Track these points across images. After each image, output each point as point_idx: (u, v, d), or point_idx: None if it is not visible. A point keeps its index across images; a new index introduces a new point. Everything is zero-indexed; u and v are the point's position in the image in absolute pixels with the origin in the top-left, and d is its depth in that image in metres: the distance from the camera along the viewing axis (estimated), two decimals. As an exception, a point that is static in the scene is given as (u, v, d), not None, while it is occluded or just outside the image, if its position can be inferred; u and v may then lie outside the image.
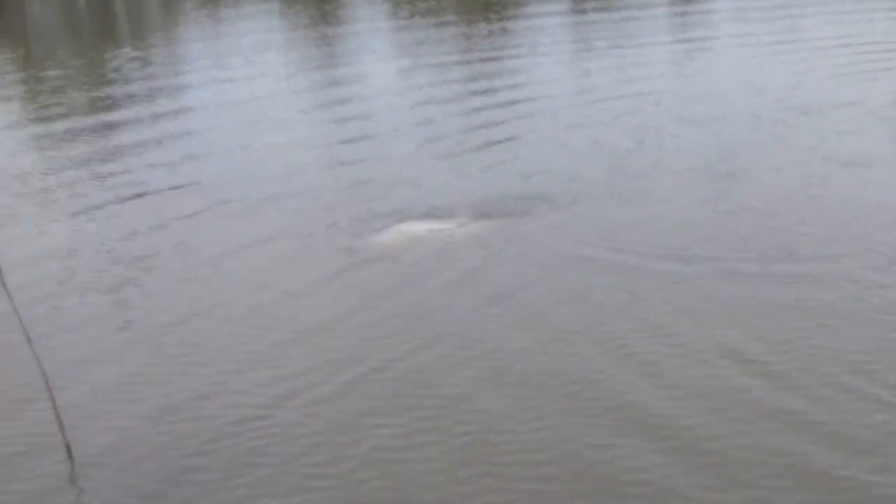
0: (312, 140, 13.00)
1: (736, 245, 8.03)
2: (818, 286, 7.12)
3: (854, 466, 4.93)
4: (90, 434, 5.61)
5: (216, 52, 22.78)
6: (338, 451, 5.32)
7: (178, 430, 5.62)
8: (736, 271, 7.48)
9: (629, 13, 24.78)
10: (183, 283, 7.92)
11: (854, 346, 6.18)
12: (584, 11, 26.43)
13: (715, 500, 4.76)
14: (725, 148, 11.12)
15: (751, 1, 25.59)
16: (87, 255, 8.68)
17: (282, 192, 10.27)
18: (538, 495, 4.88)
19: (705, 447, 5.18)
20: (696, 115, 12.92)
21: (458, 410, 5.67)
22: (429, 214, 9.14)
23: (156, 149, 12.66)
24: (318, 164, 11.59)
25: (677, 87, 15.32)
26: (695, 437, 5.27)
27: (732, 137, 11.62)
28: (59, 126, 14.28)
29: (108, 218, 9.78)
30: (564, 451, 5.21)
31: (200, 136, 13.47)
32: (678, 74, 16.53)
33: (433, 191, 10.07)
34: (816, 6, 23.86)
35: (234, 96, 16.43)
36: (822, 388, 5.70)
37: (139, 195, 10.53)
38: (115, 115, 15.03)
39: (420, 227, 8.77)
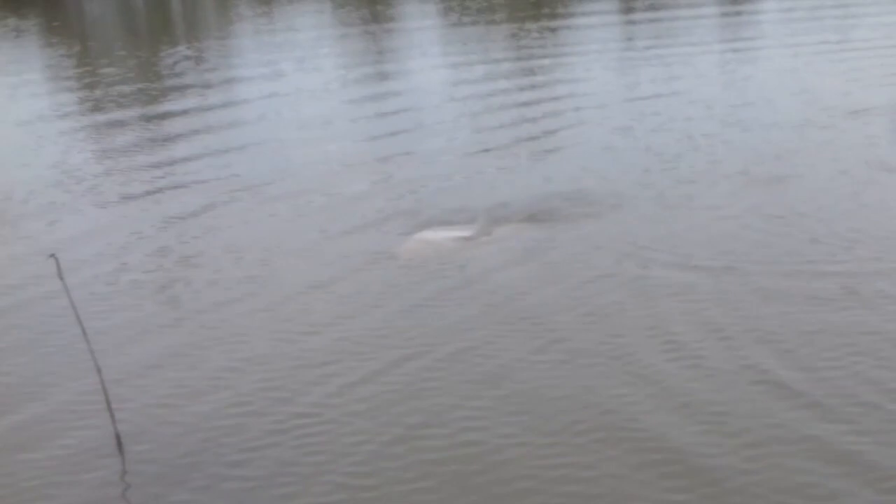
0: (359, 137, 13.16)
1: (778, 256, 7.93)
2: (863, 305, 6.92)
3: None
4: (140, 428, 5.77)
5: (268, 50, 23.06)
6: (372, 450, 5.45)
7: (227, 424, 5.76)
8: (776, 286, 7.36)
9: (677, 14, 24.63)
10: (224, 276, 8.11)
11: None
12: (632, 13, 26.31)
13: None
14: (773, 153, 11.05)
15: (800, 2, 25.32)
16: (137, 248, 8.90)
17: (322, 187, 10.50)
18: None
19: (727, 478, 5.06)
20: (744, 120, 12.84)
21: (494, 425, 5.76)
22: (466, 217, 9.19)
23: (206, 144, 12.93)
24: (362, 161, 11.72)
25: (725, 90, 15.24)
26: (719, 471, 5.13)
27: (781, 143, 11.53)
28: (111, 122, 14.62)
29: (156, 211, 10.03)
30: (584, 483, 5.12)
31: (249, 132, 13.69)
32: (726, 77, 16.42)
33: (474, 192, 10.14)
34: (867, 8, 23.56)
35: (283, 93, 16.67)
36: (862, 418, 5.46)
37: (188, 187, 10.83)
38: (166, 112, 15.34)
39: (454, 232, 8.80)
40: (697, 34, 21.64)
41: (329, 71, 18.94)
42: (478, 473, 5.17)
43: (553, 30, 23.53)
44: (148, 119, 14.97)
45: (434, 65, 19.38)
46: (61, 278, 5.61)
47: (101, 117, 15.20)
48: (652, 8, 26.18)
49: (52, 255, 5.64)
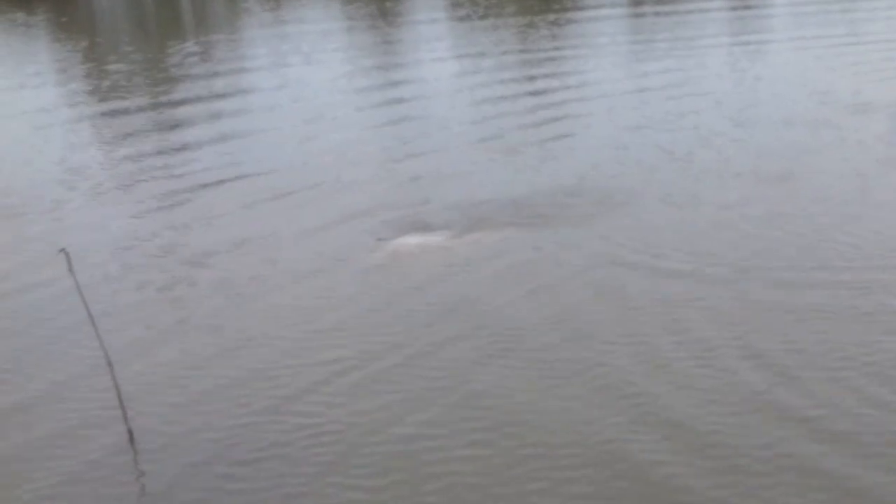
0: (367, 135, 13.15)
1: (787, 253, 7.93)
2: (868, 297, 6.94)
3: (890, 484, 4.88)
4: (151, 422, 5.80)
5: (276, 47, 23.06)
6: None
7: (238, 419, 5.79)
8: (784, 280, 7.37)
9: (688, 13, 24.56)
10: (231, 275, 8.11)
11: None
12: (642, 11, 26.26)
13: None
14: (784, 151, 11.02)
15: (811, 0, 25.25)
16: (145, 244, 8.92)
17: (330, 184, 10.54)
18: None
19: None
20: (755, 117, 12.81)
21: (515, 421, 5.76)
22: (473, 214, 9.20)
23: (212, 141, 12.94)
24: (372, 159, 11.72)
25: (736, 86, 15.19)
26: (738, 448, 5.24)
27: (791, 140, 11.50)
28: (118, 118, 14.63)
29: (163, 209, 10.05)
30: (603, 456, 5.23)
31: (256, 129, 13.67)
32: (737, 73, 16.36)
33: (483, 189, 10.14)
34: (878, 3, 23.47)
35: (291, 90, 16.66)
36: (870, 409, 5.53)
37: (194, 186, 10.80)
38: (174, 108, 15.34)
39: (459, 229, 8.81)
40: (708, 29, 21.60)
41: (336, 65, 18.94)
42: (486, 473, 5.18)
43: (562, 24, 23.49)
44: (156, 114, 14.98)
45: (442, 59, 19.37)
46: (72, 273, 5.62)
47: (108, 112, 15.21)
48: (661, 3, 26.11)
49: (63, 250, 5.64)
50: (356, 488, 5.10)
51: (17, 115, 15.48)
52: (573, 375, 6.08)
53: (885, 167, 10.20)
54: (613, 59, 18.60)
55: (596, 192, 9.77)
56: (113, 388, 5.68)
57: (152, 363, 6.57)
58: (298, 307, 7.39)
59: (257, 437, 5.59)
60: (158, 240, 9.03)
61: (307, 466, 5.30)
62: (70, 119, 14.99)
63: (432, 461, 5.28)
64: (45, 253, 8.41)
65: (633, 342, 6.48)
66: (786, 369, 6.01)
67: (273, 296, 7.64)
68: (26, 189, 11.03)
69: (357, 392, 6.04)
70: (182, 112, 15.04)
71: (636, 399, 5.76)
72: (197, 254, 8.61)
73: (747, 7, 25.26)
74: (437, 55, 20.13)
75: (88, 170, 11.73)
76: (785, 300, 7.03)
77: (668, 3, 26.26)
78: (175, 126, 14.13)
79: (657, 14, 24.92)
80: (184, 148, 12.66)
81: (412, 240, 8.58)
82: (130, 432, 5.64)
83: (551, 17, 24.79)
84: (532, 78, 16.61)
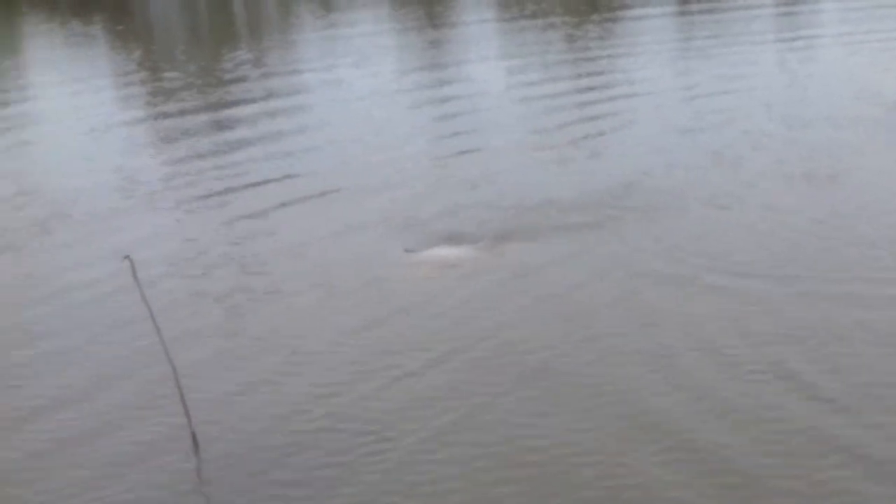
0: (416, 137, 13.34)
1: (835, 264, 7.90)
2: None
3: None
4: (215, 430, 5.99)
5: (328, 52, 23.32)
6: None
7: (298, 427, 5.99)
8: (822, 290, 7.38)
9: (735, 13, 24.37)
10: (287, 284, 8.31)
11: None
12: (689, 11, 26.12)
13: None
14: (832, 152, 10.99)
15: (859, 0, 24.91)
16: (202, 252, 9.16)
17: (380, 186, 10.80)
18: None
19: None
20: (803, 118, 12.76)
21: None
22: (513, 219, 9.36)
23: (264, 145, 13.18)
24: (420, 161, 11.95)
25: (784, 88, 15.09)
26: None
27: (842, 142, 11.44)
28: (174, 125, 14.90)
29: (220, 215, 10.28)
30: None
31: (311, 134, 13.85)
32: (785, 75, 16.24)
33: (526, 192, 10.25)
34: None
35: (342, 94, 16.85)
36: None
37: (250, 190, 11.07)
38: (227, 113, 15.60)
39: (497, 237, 8.92)
40: (755, 27, 21.44)
41: (387, 72, 19.13)
42: (523, 466, 5.36)
43: (609, 24, 23.46)
44: (210, 122, 15.24)
45: (492, 65, 19.44)
46: (136, 279, 5.77)
47: (163, 118, 15.51)
48: (709, 8, 25.95)
49: (128, 257, 5.80)
50: (413, 496, 5.25)
51: (73, 125, 15.80)
52: (607, 406, 6.01)
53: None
54: (661, 59, 18.57)
55: (642, 196, 9.83)
56: (178, 398, 5.84)
57: (214, 372, 6.77)
58: (356, 316, 7.54)
59: (317, 446, 5.75)
60: (215, 247, 9.27)
61: (366, 475, 5.44)
62: (126, 128, 15.23)
63: (487, 482, 5.35)
64: (106, 259, 8.65)
65: (671, 373, 6.34)
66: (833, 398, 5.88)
67: (329, 305, 7.84)
68: (85, 196, 11.22)
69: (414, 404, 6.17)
70: (234, 116, 15.29)
71: (673, 437, 5.66)
72: (251, 262, 8.84)
73: (795, 3, 25.02)
74: (485, 56, 20.26)
75: (143, 176, 11.95)
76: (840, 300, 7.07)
77: (715, 0, 26.07)
78: (227, 129, 14.38)
79: (704, 13, 24.77)
80: (236, 152, 12.90)
81: (446, 251, 8.66)
82: (194, 434, 5.81)
83: (598, 17, 24.78)
84: (579, 77, 16.71)
